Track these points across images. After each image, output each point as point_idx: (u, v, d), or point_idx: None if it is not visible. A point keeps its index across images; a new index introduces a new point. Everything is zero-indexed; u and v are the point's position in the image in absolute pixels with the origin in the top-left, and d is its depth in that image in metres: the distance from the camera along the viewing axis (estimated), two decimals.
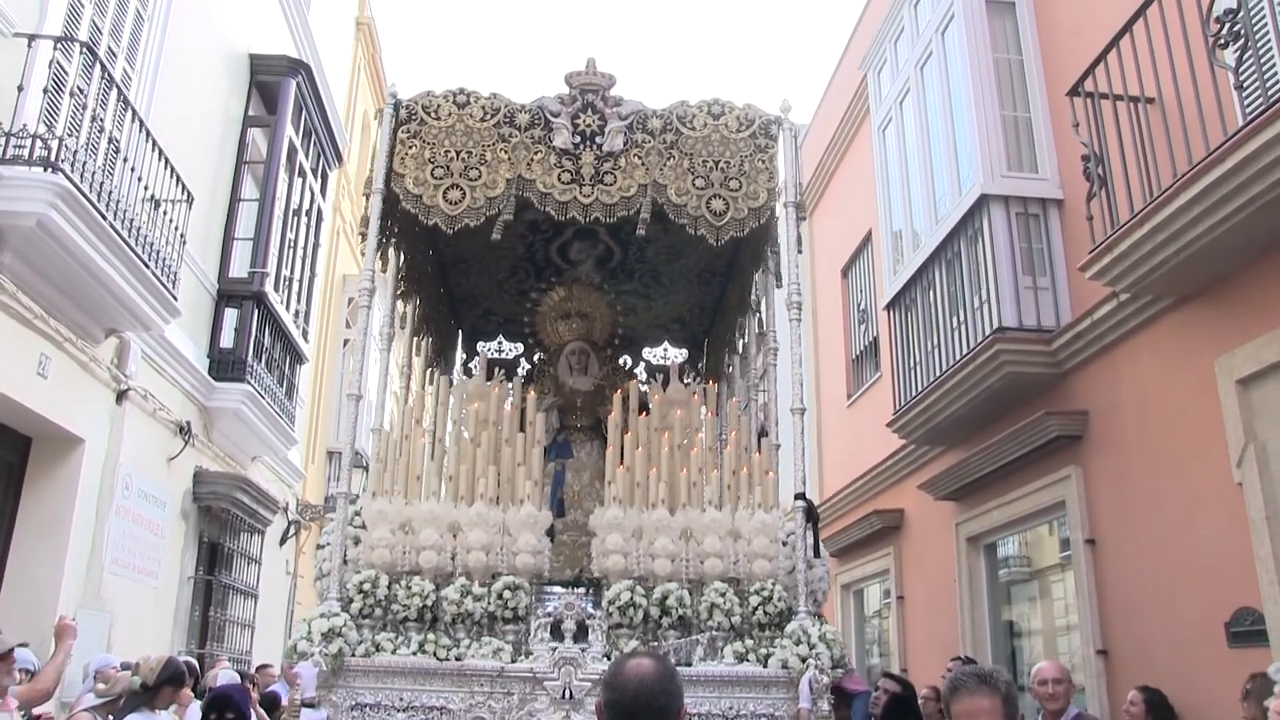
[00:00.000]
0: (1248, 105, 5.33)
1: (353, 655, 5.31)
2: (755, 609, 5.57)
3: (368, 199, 6.35)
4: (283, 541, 13.18)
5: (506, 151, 6.24)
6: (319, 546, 6.01)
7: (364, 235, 6.34)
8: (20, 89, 6.73)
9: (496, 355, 8.58)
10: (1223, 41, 5.22)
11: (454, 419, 6.89)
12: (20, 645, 5.49)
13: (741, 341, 7.87)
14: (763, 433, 6.76)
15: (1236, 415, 5.59)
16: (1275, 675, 4.08)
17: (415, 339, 7.69)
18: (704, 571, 5.69)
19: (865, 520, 11.21)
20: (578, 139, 6.29)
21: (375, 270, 6.28)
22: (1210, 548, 5.83)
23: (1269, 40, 5.21)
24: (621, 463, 6.11)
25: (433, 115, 6.34)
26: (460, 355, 8.82)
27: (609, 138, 6.28)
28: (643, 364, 8.62)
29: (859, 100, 12.11)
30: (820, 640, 5.35)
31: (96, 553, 8.11)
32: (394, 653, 5.36)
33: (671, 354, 8.78)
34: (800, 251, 6.43)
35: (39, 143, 6.64)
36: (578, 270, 7.90)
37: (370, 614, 5.50)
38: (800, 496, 5.87)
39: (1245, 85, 5.29)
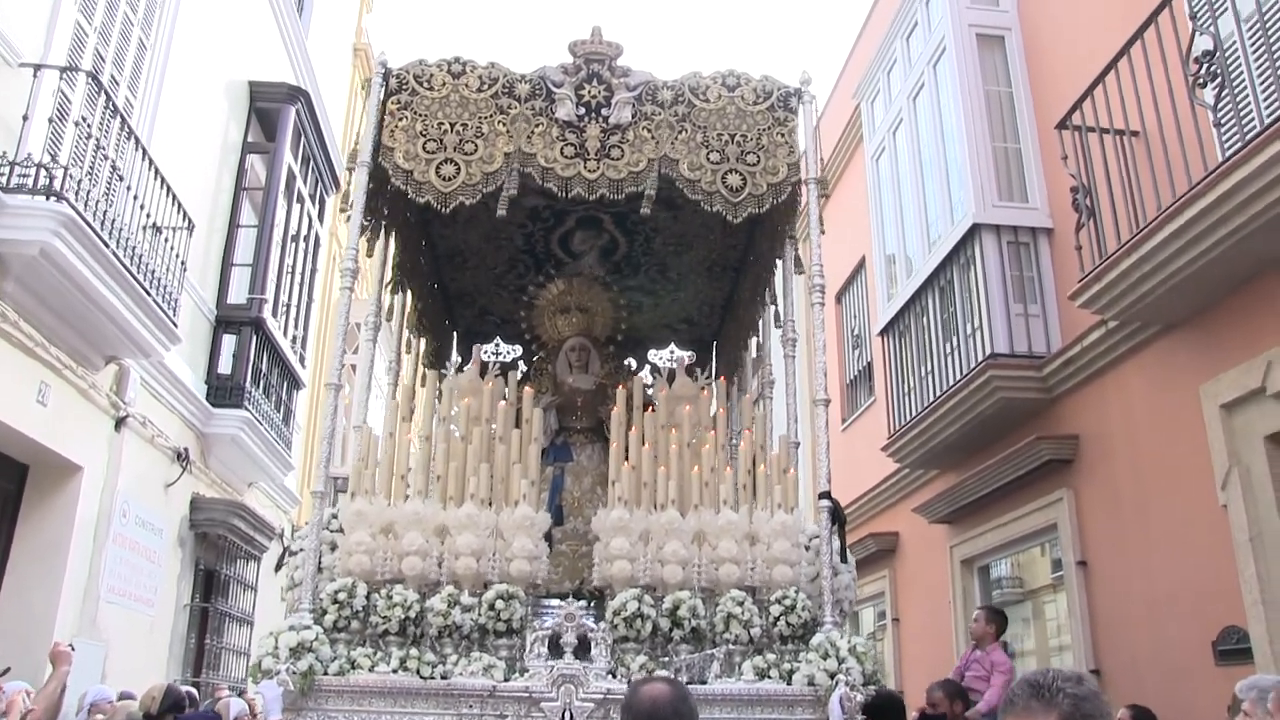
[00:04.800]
0: (1226, 141, 5.46)
1: (325, 673, 4.76)
2: (776, 620, 5.06)
3: (352, 172, 5.86)
4: (278, 568, 13.14)
5: (505, 124, 5.79)
6: (290, 553, 5.50)
7: (344, 211, 5.78)
8: (25, 118, 6.82)
9: (494, 356, 7.98)
10: (1201, 81, 5.36)
11: (443, 416, 6.31)
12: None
13: (755, 340, 7.46)
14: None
15: (1221, 439, 5.72)
16: (1241, 693, 4.16)
17: (406, 335, 7.25)
18: (719, 579, 5.19)
19: (860, 543, 11.26)
20: (582, 111, 5.85)
21: (359, 251, 5.80)
22: (1197, 568, 5.94)
23: (1244, 80, 5.35)
24: (627, 461, 5.58)
25: (425, 85, 5.89)
26: (456, 357, 8.24)
27: (616, 109, 5.83)
28: (648, 366, 8.09)
29: (853, 128, 12.26)
30: (850, 653, 4.83)
31: (93, 581, 8.12)
32: (372, 670, 4.81)
33: (679, 355, 8.20)
34: (823, 231, 5.90)
35: (43, 171, 6.73)
36: (580, 263, 7.41)
37: (346, 627, 4.96)
38: (825, 495, 5.32)
39: (1224, 122, 5.43)
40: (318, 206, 13.17)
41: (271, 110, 11.70)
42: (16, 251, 6.60)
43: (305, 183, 12.44)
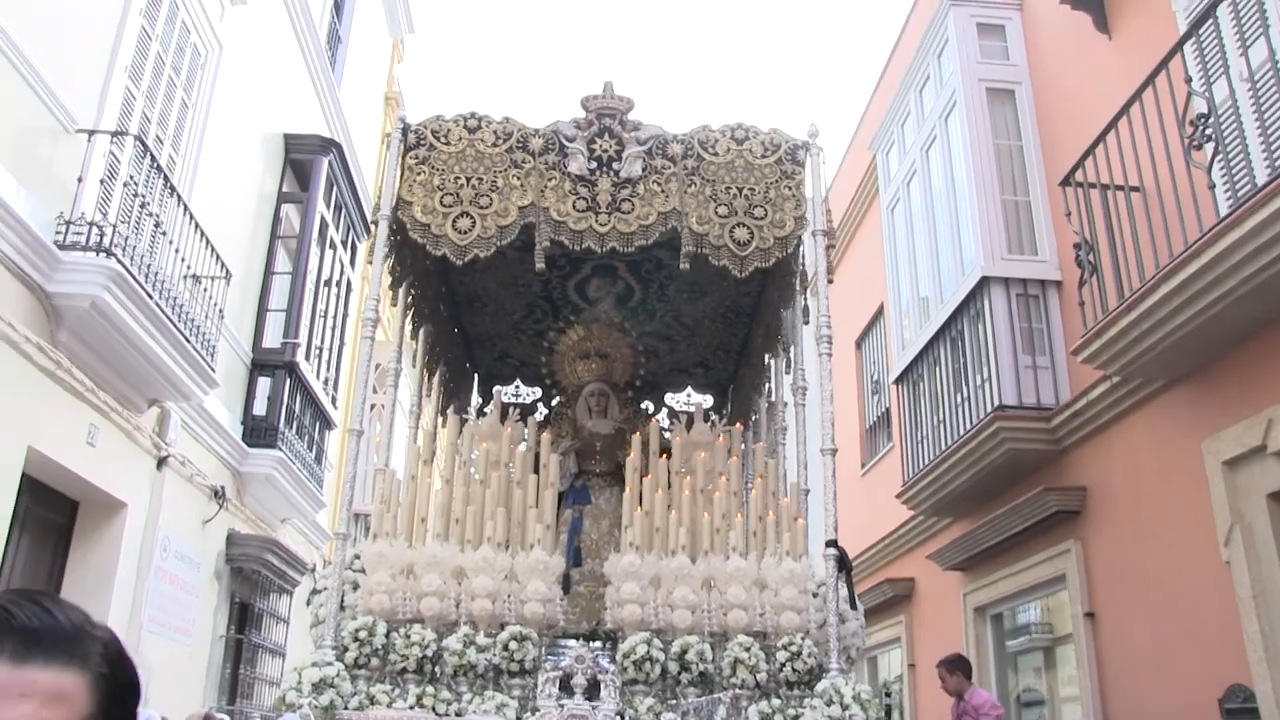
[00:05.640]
0: (1224, 201, 5.67)
1: (345, 708, 4.89)
2: (783, 665, 5.11)
3: (375, 226, 6.05)
4: (309, 602, 13.44)
5: (519, 178, 5.91)
6: (314, 591, 5.70)
7: (369, 262, 6.03)
8: (80, 180, 7.22)
9: (514, 399, 8.20)
10: (1197, 143, 5.58)
11: (463, 460, 6.37)
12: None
13: (768, 385, 7.54)
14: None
15: (1223, 496, 5.85)
16: None
17: (426, 378, 7.41)
18: (727, 624, 5.27)
19: (877, 588, 11.42)
20: (594, 165, 5.97)
21: (380, 300, 5.99)
22: (1202, 623, 6.06)
23: (1239, 143, 5.56)
24: (640, 506, 5.72)
25: (442, 140, 6.04)
26: (476, 400, 8.41)
27: (627, 163, 5.95)
28: (665, 409, 8.20)
29: (872, 174, 12.53)
30: (854, 700, 4.87)
31: (136, 612, 8.46)
32: (389, 706, 4.92)
33: (695, 399, 8.35)
34: (830, 281, 6.02)
35: (94, 229, 7.12)
36: (596, 309, 7.53)
37: (366, 664, 5.13)
38: (832, 544, 5.36)
39: (1221, 183, 5.64)
40: (349, 252, 13.57)
41: (305, 161, 12.13)
42: (70, 304, 7.00)
43: (337, 229, 12.84)
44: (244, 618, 11.11)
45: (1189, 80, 5.71)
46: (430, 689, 5.03)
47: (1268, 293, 5.25)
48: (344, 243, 13.26)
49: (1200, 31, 5.76)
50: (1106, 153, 6.57)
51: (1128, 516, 6.94)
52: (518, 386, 8.42)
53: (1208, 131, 5.50)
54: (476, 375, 8.57)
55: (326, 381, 12.65)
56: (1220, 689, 5.83)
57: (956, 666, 7.22)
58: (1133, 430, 6.91)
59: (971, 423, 8.11)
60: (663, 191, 5.92)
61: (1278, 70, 5.18)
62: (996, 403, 7.74)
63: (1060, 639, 8.35)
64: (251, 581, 11.07)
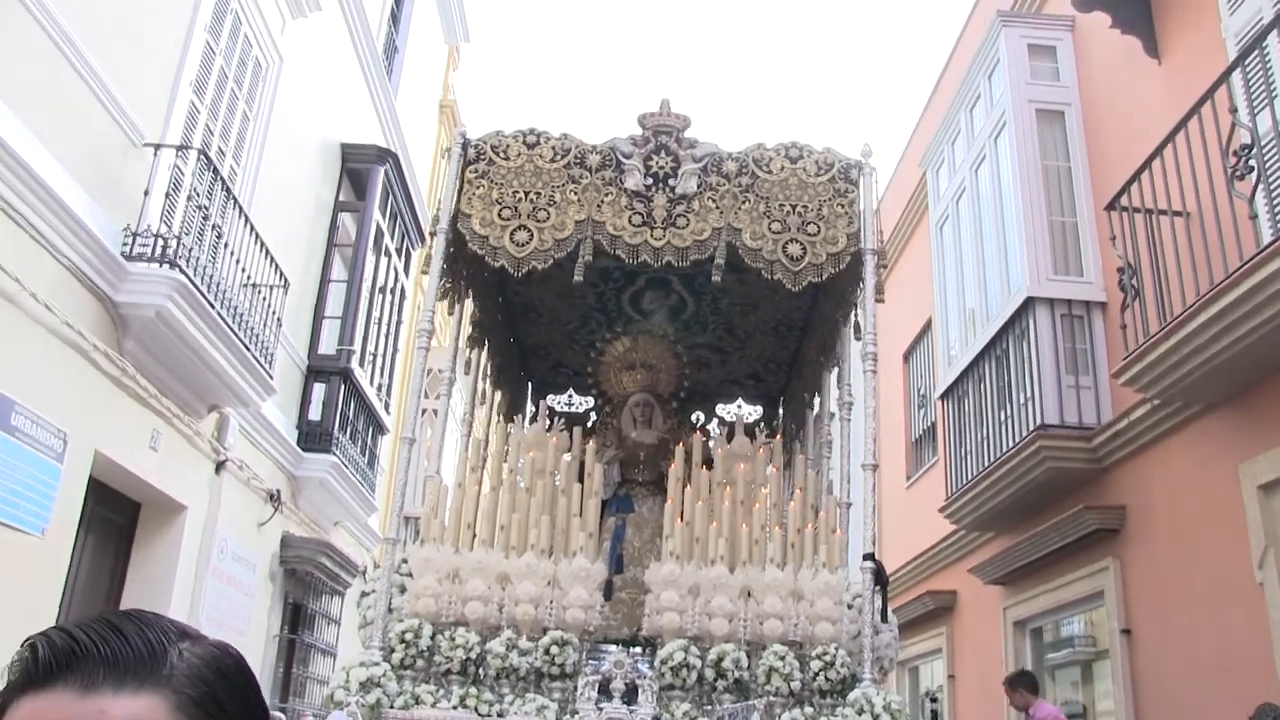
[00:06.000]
0: (1267, 230, 5.70)
1: (391, 707, 5.06)
2: (816, 674, 5.26)
3: (433, 237, 6.23)
4: (359, 603, 13.76)
5: (576, 193, 6.07)
6: (363, 594, 5.87)
7: (425, 273, 6.24)
8: (146, 193, 7.52)
9: (567, 408, 8.36)
10: (1239, 173, 5.62)
11: (510, 468, 6.54)
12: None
13: (817, 399, 7.68)
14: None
15: (1259, 519, 5.91)
16: None
17: (479, 388, 7.54)
18: (763, 633, 5.43)
19: (919, 600, 11.47)
20: (650, 181, 6.11)
21: (436, 311, 6.15)
22: (1235, 643, 6.12)
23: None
24: (681, 517, 5.87)
25: (501, 155, 6.20)
26: (530, 409, 8.60)
27: (682, 180, 6.09)
28: (715, 420, 8.37)
29: (920, 191, 12.58)
30: (885, 710, 5.02)
31: (195, 611, 8.75)
32: (434, 706, 5.07)
33: (746, 410, 8.53)
34: (880, 300, 6.17)
35: (160, 241, 7.42)
36: (650, 321, 7.68)
37: (411, 665, 5.30)
38: (869, 557, 5.51)
39: (1263, 213, 5.68)
40: (403, 260, 13.86)
41: (362, 170, 12.42)
42: (136, 314, 7.29)
43: (392, 238, 13.13)
44: (297, 618, 11.41)
45: (1234, 110, 5.74)
46: (473, 690, 5.19)
47: None
48: (399, 250, 13.55)
49: (1247, 61, 5.80)
50: (1152, 178, 6.61)
51: (1166, 536, 6.98)
52: (570, 395, 8.57)
53: (1250, 162, 5.53)
54: (530, 384, 8.78)
55: (380, 388, 12.94)
56: (1251, 708, 5.87)
57: (1019, 682, 7.33)
58: (1172, 452, 6.95)
59: (1014, 440, 8.17)
60: (717, 208, 6.06)
61: None
62: (1039, 421, 7.79)
63: (1099, 654, 8.38)
64: (305, 583, 11.37)
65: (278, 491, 10.42)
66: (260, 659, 10.28)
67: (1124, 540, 7.50)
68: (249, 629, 9.93)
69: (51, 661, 0.87)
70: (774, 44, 55.49)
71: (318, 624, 11.97)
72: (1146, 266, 6.70)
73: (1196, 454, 6.66)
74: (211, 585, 9.02)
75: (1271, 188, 5.58)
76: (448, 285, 6.56)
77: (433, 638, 5.37)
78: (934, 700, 8.61)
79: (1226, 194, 5.89)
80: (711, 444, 7.24)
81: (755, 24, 54.00)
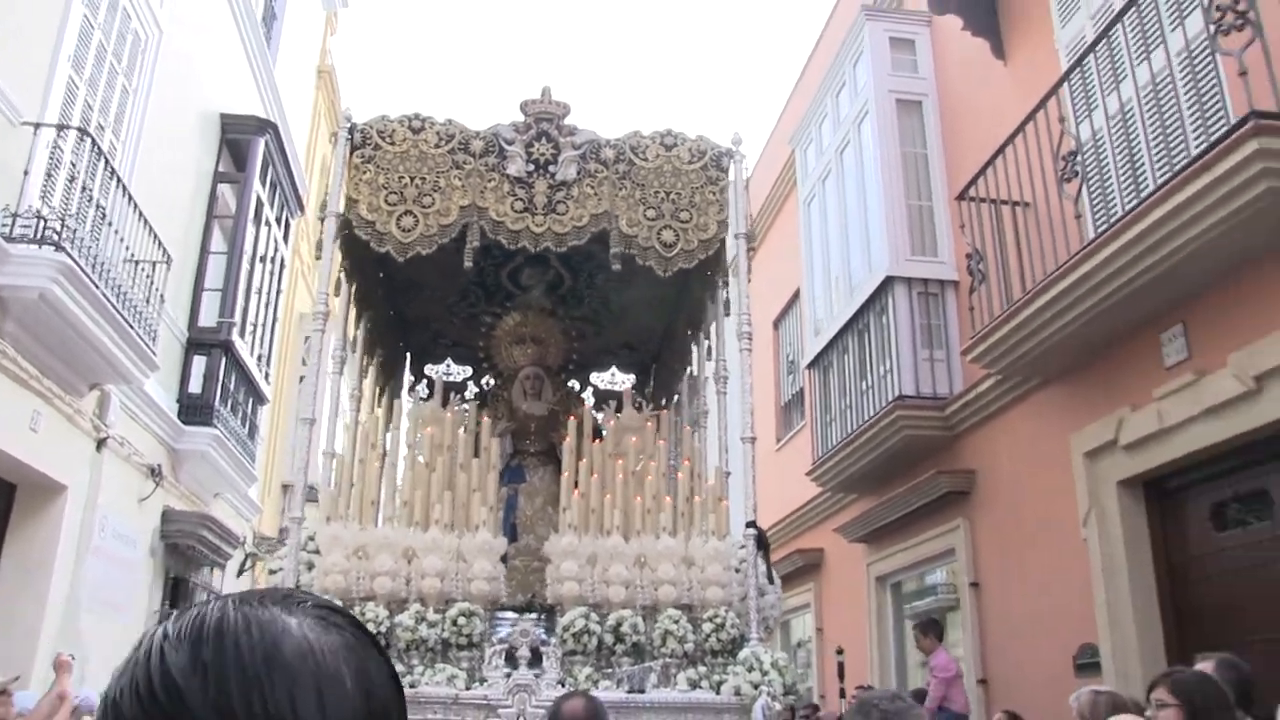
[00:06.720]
0: (1097, 223, 6.34)
1: None
2: (708, 636, 5.62)
3: (322, 222, 6.33)
4: (240, 574, 13.79)
5: (460, 179, 6.22)
6: (271, 573, 5.95)
7: (318, 258, 6.38)
8: (26, 173, 7.45)
9: (445, 377, 8.50)
10: (1066, 176, 6.25)
11: (408, 443, 6.77)
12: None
13: (690, 370, 7.96)
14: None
15: (1084, 483, 6.66)
16: (1072, 702, 4.91)
17: (364, 363, 7.68)
18: (658, 598, 5.76)
19: (788, 558, 12.14)
20: (531, 167, 6.30)
21: (329, 295, 6.30)
22: (1066, 593, 6.87)
23: (1110, 174, 6.24)
24: (576, 489, 6.15)
25: (387, 140, 6.31)
26: (409, 378, 8.75)
27: (562, 167, 6.29)
28: (590, 388, 8.64)
29: (790, 166, 13.09)
30: (772, 667, 5.39)
31: (75, 591, 8.71)
32: None
33: (619, 379, 8.82)
34: (749, 281, 6.52)
35: (42, 222, 7.37)
36: (528, 295, 7.86)
37: None
38: (751, 524, 5.90)
39: (1094, 208, 6.32)
40: (283, 230, 13.78)
41: (241, 141, 12.28)
42: (17, 296, 7.23)
43: (272, 208, 13.05)
44: (177, 592, 11.41)
45: (1062, 120, 6.35)
46: None
47: (1124, 310, 5.96)
48: (278, 220, 13.46)
49: (1072, 78, 6.41)
50: (996, 171, 7.21)
51: (1009, 498, 7.69)
52: (448, 365, 8.78)
53: (1074, 168, 6.16)
54: (410, 354, 8.91)
55: (260, 358, 12.90)
56: (1075, 648, 6.66)
57: (930, 629, 7.83)
58: (1014, 422, 7.65)
59: (875, 409, 8.78)
60: (595, 194, 6.31)
61: (1144, 106, 5.84)
62: (897, 392, 8.41)
63: (952, 606, 9.12)
64: (186, 557, 11.35)
65: (159, 466, 10.37)
66: (141, 635, 10.28)
67: (973, 502, 8.21)
68: (129, 605, 9.93)
69: None
70: (652, 20, 55.66)
71: (198, 597, 11.99)
72: (991, 253, 7.31)
73: (1035, 424, 7.36)
74: (92, 564, 8.96)
75: (1093, 185, 6.21)
76: (346, 268, 6.70)
77: None
78: (840, 652, 9.22)
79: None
80: (600, 416, 7.54)
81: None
